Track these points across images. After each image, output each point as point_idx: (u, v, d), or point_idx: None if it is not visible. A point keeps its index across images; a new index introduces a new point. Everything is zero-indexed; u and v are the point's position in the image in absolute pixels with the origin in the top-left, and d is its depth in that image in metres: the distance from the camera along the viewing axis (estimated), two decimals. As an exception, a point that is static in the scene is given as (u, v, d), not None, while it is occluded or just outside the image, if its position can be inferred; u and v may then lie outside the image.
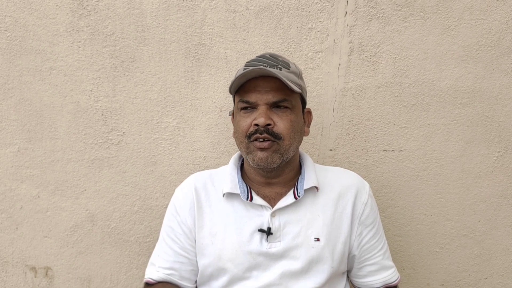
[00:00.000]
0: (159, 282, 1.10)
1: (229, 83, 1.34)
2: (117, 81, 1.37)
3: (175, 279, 1.10)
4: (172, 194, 1.20)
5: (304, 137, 1.14)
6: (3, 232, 1.44)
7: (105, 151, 1.40)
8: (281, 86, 1.04)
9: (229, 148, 1.40)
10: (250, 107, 1.05)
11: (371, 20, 1.33)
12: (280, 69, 1.03)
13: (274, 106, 1.04)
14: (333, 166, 1.34)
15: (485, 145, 1.40)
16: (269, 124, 1.02)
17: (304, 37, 1.34)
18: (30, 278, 1.47)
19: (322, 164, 1.36)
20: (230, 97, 1.37)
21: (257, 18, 1.33)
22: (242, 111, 1.07)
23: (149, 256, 1.27)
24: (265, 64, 1.04)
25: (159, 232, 1.20)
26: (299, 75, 1.10)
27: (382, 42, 1.34)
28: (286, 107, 1.05)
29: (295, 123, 1.06)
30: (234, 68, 1.35)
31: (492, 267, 1.47)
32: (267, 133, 1.02)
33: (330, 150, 1.41)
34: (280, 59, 1.08)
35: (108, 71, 1.36)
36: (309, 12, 1.33)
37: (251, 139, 1.04)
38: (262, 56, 1.09)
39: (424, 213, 1.44)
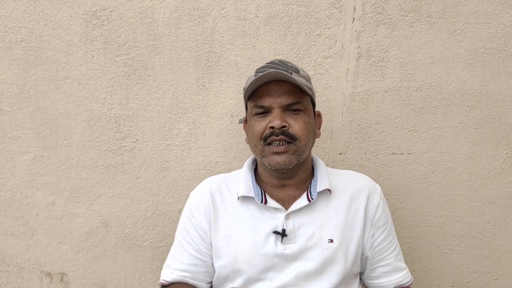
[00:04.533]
0: (172, 283, 1.13)
1: (240, 89, 1.38)
2: (130, 89, 1.39)
3: (189, 280, 1.12)
4: (185, 199, 1.22)
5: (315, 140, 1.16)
6: (20, 238, 1.47)
7: (118, 158, 1.43)
8: (294, 89, 1.07)
9: (240, 153, 1.43)
10: (264, 111, 1.08)
11: (378, 26, 1.35)
12: (291, 74, 1.06)
13: (288, 109, 1.07)
14: (344, 169, 1.36)
15: (492, 147, 1.41)
16: (284, 126, 1.05)
17: (313, 43, 1.37)
18: (46, 283, 1.50)
19: (333, 167, 1.38)
20: (241, 103, 1.39)
21: (266, 25, 1.36)
22: (256, 116, 1.09)
23: (163, 260, 1.29)
24: (275, 70, 1.06)
25: (172, 237, 1.22)
26: (308, 79, 1.14)
27: (390, 47, 1.36)
28: (299, 109, 1.07)
29: (309, 124, 1.09)
30: (245, 75, 1.38)
31: (502, 268, 1.49)
32: (283, 134, 1.04)
33: (340, 154, 1.43)
34: (289, 64, 1.11)
35: (121, 79, 1.39)
36: (317, 18, 1.35)
37: (267, 142, 1.06)
38: (272, 62, 1.12)
39: (434, 215, 1.46)
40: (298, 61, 1.37)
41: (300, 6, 1.34)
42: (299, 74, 1.09)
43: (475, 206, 1.45)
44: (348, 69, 1.38)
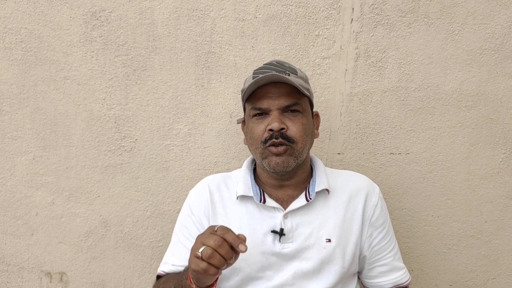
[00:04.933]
0: (168, 274, 1.14)
1: (239, 89, 1.38)
2: (129, 89, 1.40)
3: None
4: (184, 198, 1.22)
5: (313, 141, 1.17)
6: (19, 238, 1.48)
7: (118, 158, 1.43)
8: (291, 91, 1.07)
9: (239, 153, 1.43)
10: (263, 113, 1.08)
11: (376, 27, 1.36)
12: (289, 75, 1.07)
13: (286, 110, 1.07)
14: (342, 169, 1.37)
15: (490, 147, 1.42)
16: (282, 128, 1.05)
17: (311, 44, 1.37)
18: (46, 283, 1.50)
19: (331, 167, 1.38)
20: (240, 103, 1.40)
21: (265, 26, 1.36)
22: (255, 118, 1.10)
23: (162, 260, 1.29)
24: (273, 71, 1.07)
25: (171, 237, 1.23)
26: (306, 80, 1.14)
27: (388, 48, 1.37)
28: (297, 111, 1.08)
29: (307, 125, 1.10)
30: (244, 75, 1.38)
31: (499, 267, 1.49)
32: (282, 137, 1.05)
33: (338, 154, 1.44)
34: (287, 65, 1.12)
35: (120, 79, 1.39)
36: (316, 19, 1.36)
37: (267, 145, 1.07)
38: (270, 63, 1.13)
39: (432, 215, 1.46)
40: (296, 62, 1.38)
41: (299, 7, 1.35)
42: (296, 75, 1.09)
43: (473, 205, 1.45)
44: (346, 70, 1.39)
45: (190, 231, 1.14)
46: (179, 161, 1.44)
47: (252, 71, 1.13)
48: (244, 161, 1.23)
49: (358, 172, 1.24)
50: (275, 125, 1.04)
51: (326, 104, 1.41)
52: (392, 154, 1.43)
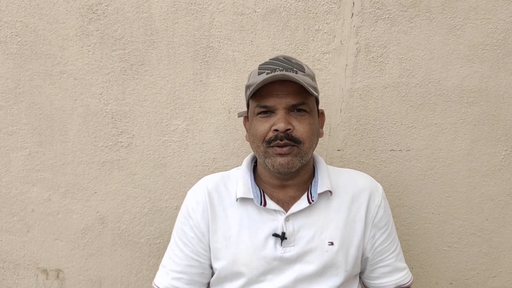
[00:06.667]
0: None
1: (238, 84, 1.37)
2: (127, 84, 1.38)
3: (182, 285, 1.09)
4: (182, 195, 1.21)
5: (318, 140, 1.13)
6: (15, 235, 1.46)
7: (115, 154, 1.42)
8: (299, 90, 1.02)
9: (238, 150, 1.42)
10: (268, 111, 1.04)
11: (377, 21, 1.34)
12: (296, 73, 1.02)
13: (292, 109, 1.03)
14: (341, 166, 1.35)
15: (491, 144, 1.40)
16: (288, 129, 1.01)
17: (311, 38, 1.35)
18: (42, 280, 1.49)
19: (331, 164, 1.37)
20: (239, 98, 1.38)
21: (264, 20, 1.34)
22: (259, 115, 1.05)
23: (159, 257, 1.28)
24: (280, 68, 1.02)
25: (169, 234, 1.21)
26: (313, 77, 1.09)
27: (389, 43, 1.35)
28: (304, 111, 1.03)
29: (313, 125, 1.05)
30: (242, 70, 1.36)
31: (500, 265, 1.48)
32: (287, 138, 1.00)
33: (338, 150, 1.42)
34: (294, 61, 1.07)
35: (117, 74, 1.37)
36: (316, 14, 1.34)
37: (271, 145, 1.02)
38: (276, 59, 1.07)
39: (432, 212, 1.45)
40: (296, 57, 1.36)
41: (299, 1, 1.33)
42: (304, 72, 1.05)
43: (474, 203, 1.44)
44: (346, 65, 1.37)
45: (188, 235, 1.11)
46: (177, 157, 1.42)
47: (258, 66, 1.08)
48: (243, 158, 1.21)
49: (358, 169, 1.22)
50: (281, 126, 1.00)
51: (326, 100, 1.39)
52: (392, 151, 1.41)
